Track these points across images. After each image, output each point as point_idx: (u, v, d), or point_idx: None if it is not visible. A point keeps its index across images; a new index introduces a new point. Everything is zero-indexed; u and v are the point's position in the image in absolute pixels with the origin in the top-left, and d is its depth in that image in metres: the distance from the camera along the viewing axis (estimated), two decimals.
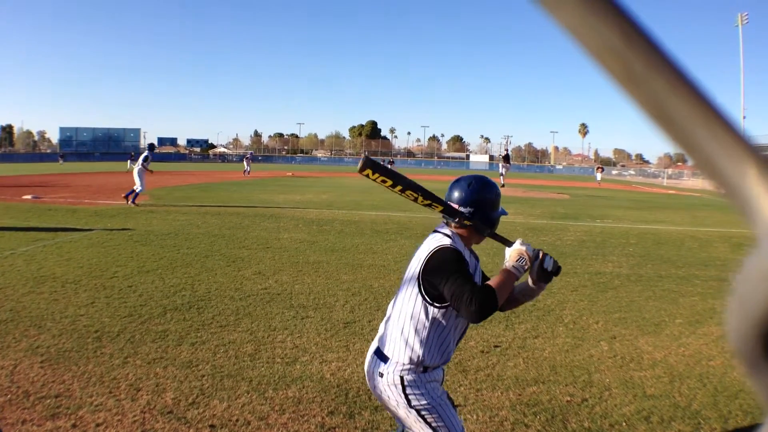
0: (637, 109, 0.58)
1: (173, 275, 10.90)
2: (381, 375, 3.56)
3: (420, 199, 3.52)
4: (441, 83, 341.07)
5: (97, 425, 5.13)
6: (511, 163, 47.16)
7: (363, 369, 6.53)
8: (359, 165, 3.43)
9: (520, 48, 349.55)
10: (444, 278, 3.38)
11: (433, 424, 3.53)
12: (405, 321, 3.55)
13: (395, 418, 3.72)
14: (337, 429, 5.25)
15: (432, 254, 3.51)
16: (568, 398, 6.11)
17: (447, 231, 3.65)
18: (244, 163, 60.32)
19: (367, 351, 3.82)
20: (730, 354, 7.60)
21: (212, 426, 5.20)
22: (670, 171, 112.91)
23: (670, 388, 6.49)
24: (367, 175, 3.44)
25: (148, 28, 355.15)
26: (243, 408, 5.57)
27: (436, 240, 3.60)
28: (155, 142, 39.83)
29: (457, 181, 3.71)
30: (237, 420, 5.33)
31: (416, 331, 3.51)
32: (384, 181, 3.47)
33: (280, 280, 10.81)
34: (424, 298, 3.50)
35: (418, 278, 3.52)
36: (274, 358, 6.89)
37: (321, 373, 6.49)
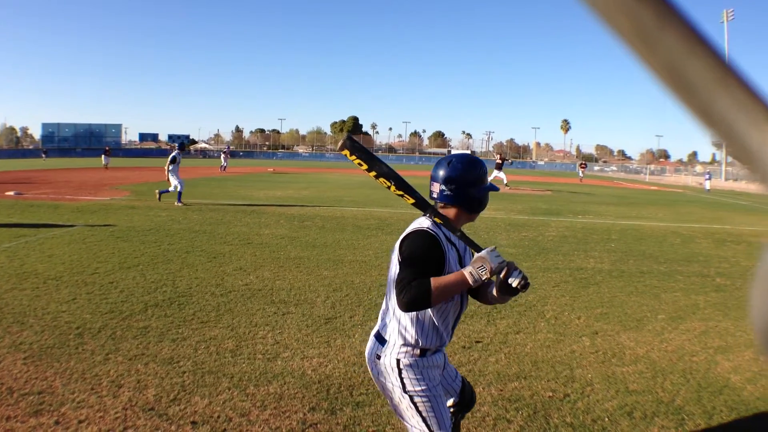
0: (647, 70, 0.56)
1: (154, 271, 10.89)
2: (378, 357, 3.59)
3: (393, 188, 3.54)
4: (422, 79, 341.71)
5: (80, 422, 5.14)
6: (504, 166, 46.01)
7: (344, 365, 6.59)
8: (339, 144, 3.49)
9: (502, 44, 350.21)
10: (403, 261, 3.44)
11: (424, 414, 3.55)
12: (395, 302, 3.52)
13: (391, 405, 3.73)
14: (318, 425, 5.27)
15: (406, 236, 3.55)
16: (550, 394, 6.14)
17: (427, 214, 3.63)
18: (222, 158, 58.39)
19: (368, 338, 3.85)
20: (713, 350, 7.69)
21: (194, 423, 5.22)
22: (652, 167, 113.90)
23: (652, 383, 6.54)
24: (345, 156, 3.48)
25: (130, 24, 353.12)
26: (224, 404, 5.58)
27: (417, 223, 3.62)
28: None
29: (440, 161, 3.73)
30: (218, 416, 5.34)
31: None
32: (360, 165, 3.50)
33: (261, 275, 10.84)
34: None
35: (398, 259, 3.53)
36: (255, 354, 6.90)
37: (302, 369, 6.51)
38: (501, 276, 3.39)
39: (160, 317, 8.10)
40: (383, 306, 3.75)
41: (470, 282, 3.32)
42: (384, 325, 3.66)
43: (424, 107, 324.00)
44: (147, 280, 10.20)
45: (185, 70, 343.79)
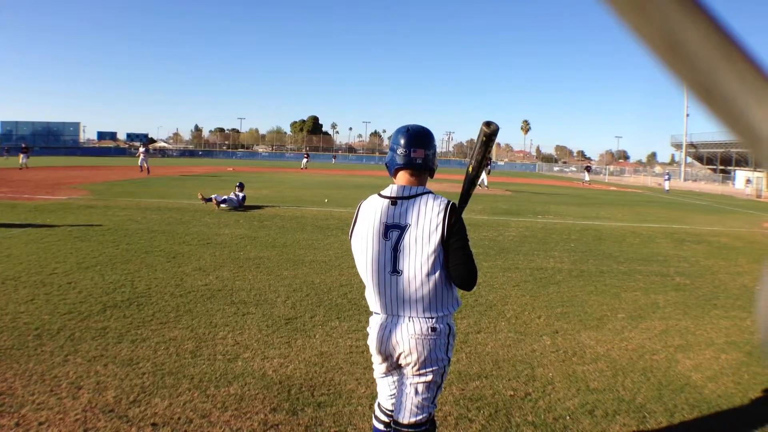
0: (640, 40, 0.52)
1: (113, 271, 10.80)
2: (434, 330, 3.65)
3: (470, 168, 3.71)
4: (383, 79, 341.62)
5: (40, 424, 5.11)
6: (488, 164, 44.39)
7: (304, 365, 6.58)
8: (492, 127, 3.57)
9: (461, 44, 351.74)
10: (464, 237, 3.65)
11: (441, 384, 3.83)
12: (432, 278, 3.61)
13: (424, 379, 3.74)
14: (280, 426, 5.28)
15: (450, 213, 3.64)
16: (512, 392, 6.18)
17: (427, 189, 3.82)
18: (141, 156, 49.67)
19: (396, 326, 3.71)
20: (674, 348, 7.80)
21: (154, 424, 5.20)
22: (611, 168, 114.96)
23: (613, 381, 6.62)
24: (484, 135, 3.57)
25: (88, 20, 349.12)
26: (185, 406, 5.57)
27: (435, 199, 3.72)
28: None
29: (417, 132, 3.86)
30: (179, 418, 5.33)
31: (444, 283, 3.64)
32: (486, 146, 3.62)
33: (221, 276, 10.80)
34: (441, 253, 3.62)
35: (443, 235, 3.59)
36: (216, 355, 6.89)
37: (263, 369, 6.51)
38: None
39: (119, 318, 8.05)
40: (418, 288, 3.63)
41: None
42: (429, 302, 3.66)
43: (385, 107, 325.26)
44: (105, 280, 10.12)
45: (144, 67, 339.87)
